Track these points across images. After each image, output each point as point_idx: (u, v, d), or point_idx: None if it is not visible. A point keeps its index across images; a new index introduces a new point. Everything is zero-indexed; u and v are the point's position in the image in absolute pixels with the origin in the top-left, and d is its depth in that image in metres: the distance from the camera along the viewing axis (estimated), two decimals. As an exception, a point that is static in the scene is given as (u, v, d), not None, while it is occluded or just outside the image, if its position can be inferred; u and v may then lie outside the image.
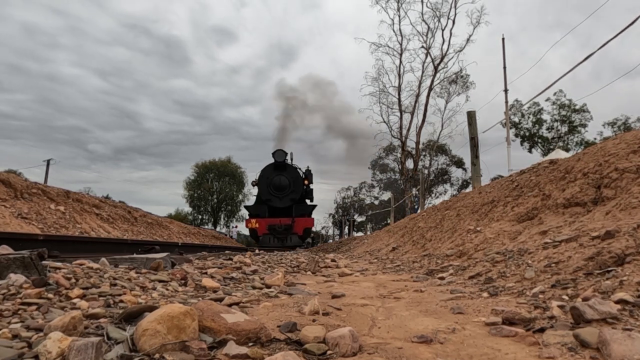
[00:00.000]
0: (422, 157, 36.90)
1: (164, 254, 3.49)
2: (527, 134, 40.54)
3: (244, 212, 43.40)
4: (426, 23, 29.31)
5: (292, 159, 22.15)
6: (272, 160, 21.55)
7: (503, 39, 21.26)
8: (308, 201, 22.86)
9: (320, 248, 28.84)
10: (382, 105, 31.10)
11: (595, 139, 36.88)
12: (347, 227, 53.96)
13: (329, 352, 1.48)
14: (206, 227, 46.98)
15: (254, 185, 21.83)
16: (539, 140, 40.26)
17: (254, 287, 3.05)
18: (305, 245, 27.32)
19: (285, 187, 20.91)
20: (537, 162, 7.98)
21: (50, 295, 1.85)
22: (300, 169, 22.16)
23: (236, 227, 54.36)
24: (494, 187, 8.25)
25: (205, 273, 3.34)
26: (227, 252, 6.23)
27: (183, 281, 2.78)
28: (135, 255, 3.45)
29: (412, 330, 1.82)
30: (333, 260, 6.83)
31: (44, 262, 2.29)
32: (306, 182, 21.70)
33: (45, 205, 10.36)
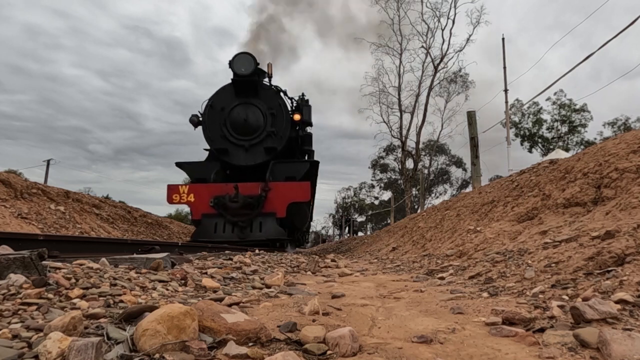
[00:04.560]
0: (422, 157, 36.90)
1: (164, 254, 3.48)
2: (527, 133, 40.55)
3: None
4: (426, 23, 29.30)
5: (270, 77, 12.27)
6: (231, 80, 11.34)
7: (503, 39, 21.28)
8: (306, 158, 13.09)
9: (320, 248, 28.76)
10: (382, 105, 31.08)
11: (595, 139, 36.92)
12: (347, 228, 53.94)
13: (329, 352, 1.48)
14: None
15: (195, 125, 11.67)
16: (539, 140, 40.28)
17: (254, 287, 3.05)
18: (296, 241, 16.40)
19: (256, 126, 11.35)
20: (537, 162, 7.98)
21: (50, 295, 1.85)
22: (285, 92, 12.23)
23: None
24: (494, 187, 8.25)
25: (205, 273, 3.34)
26: (227, 252, 6.23)
27: (183, 281, 2.78)
28: (135, 255, 3.44)
29: (412, 331, 1.82)
30: (333, 261, 6.83)
31: (44, 262, 2.29)
32: (298, 117, 12.15)
33: (45, 205, 10.36)
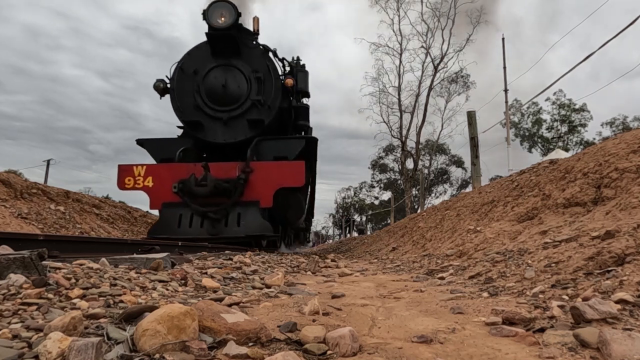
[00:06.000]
0: (422, 157, 36.95)
1: (164, 254, 3.48)
2: (526, 134, 40.58)
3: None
4: (426, 23, 29.33)
5: (257, 34, 9.95)
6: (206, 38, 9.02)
7: (503, 38, 21.32)
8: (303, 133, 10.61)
9: (320, 248, 28.73)
10: (382, 105, 31.13)
11: (594, 138, 36.98)
12: (347, 228, 53.96)
13: (329, 352, 1.48)
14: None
15: (161, 93, 9.27)
16: (539, 140, 40.30)
17: (254, 287, 3.05)
18: (288, 240, 13.56)
19: (238, 94, 9.00)
20: (537, 162, 7.99)
21: (50, 296, 1.85)
22: (274, 52, 9.69)
23: None
24: (494, 187, 8.25)
25: (205, 273, 3.34)
26: (227, 252, 6.23)
27: (183, 281, 2.78)
28: (135, 255, 3.44)
29: (412, 330, 1.82)
30: (333, 260, 6.84)
31: (44, 262, 2.29)
32: (290, 82, 9.48)
33: (45, 205, 10.36)
